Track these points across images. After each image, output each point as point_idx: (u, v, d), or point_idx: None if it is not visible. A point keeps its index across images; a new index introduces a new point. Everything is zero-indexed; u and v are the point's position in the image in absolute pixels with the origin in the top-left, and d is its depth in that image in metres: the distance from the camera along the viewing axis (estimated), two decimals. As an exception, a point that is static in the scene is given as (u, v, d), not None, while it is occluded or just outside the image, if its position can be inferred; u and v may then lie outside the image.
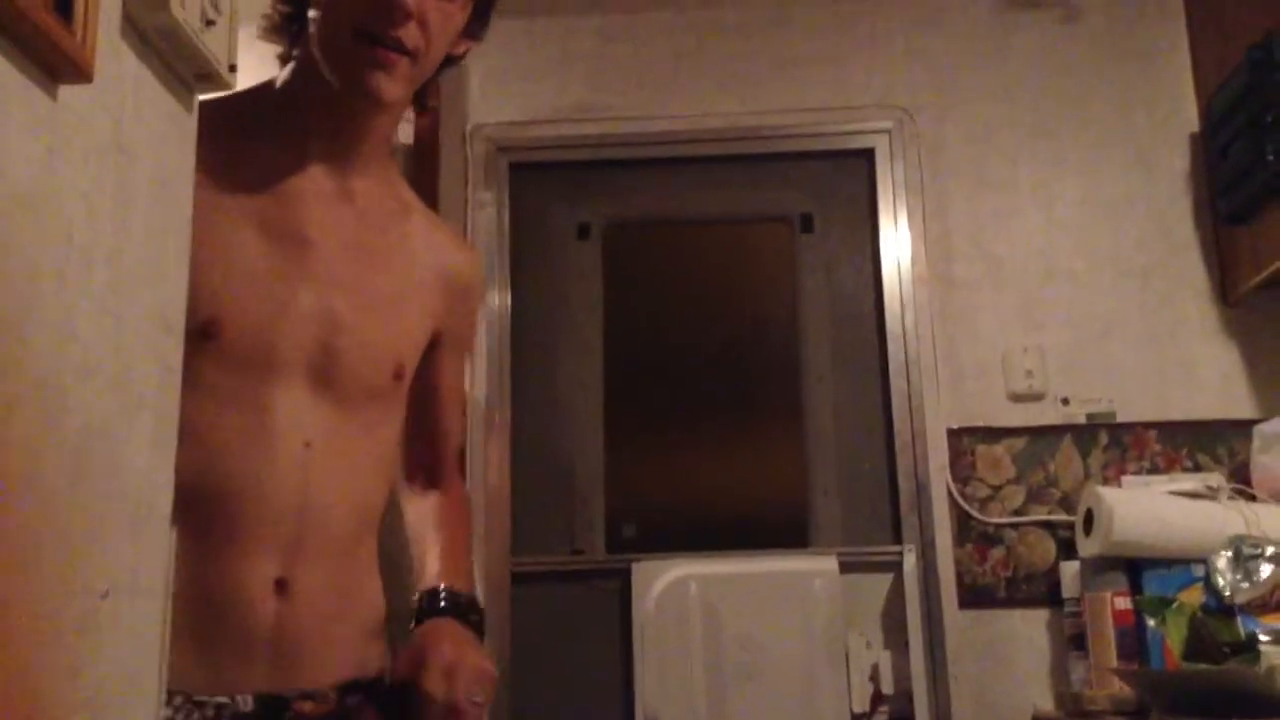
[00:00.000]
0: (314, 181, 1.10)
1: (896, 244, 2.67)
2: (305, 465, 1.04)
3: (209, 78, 0.81)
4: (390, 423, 1.16)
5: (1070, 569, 2.38)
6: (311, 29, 1.08)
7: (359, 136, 1.12)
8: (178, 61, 0.78)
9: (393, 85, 1.06)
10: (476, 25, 1.16)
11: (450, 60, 1.16)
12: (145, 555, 0.73)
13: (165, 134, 0.78)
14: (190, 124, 0.82)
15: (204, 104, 0.82)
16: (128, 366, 0.71)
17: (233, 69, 0.83)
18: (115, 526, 0.70)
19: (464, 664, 1.04)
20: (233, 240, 1.03)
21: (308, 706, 1.03)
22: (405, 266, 1.17)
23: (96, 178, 0.68)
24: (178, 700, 0.96)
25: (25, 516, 0.64)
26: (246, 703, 1.00)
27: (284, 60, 1.13)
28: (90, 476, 0.67)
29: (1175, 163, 2.68)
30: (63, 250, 0.65)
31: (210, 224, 0.92)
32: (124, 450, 0.71)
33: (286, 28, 1.12)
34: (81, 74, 0.63)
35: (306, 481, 1.04)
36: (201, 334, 0.97)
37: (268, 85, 1.14)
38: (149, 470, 0.75)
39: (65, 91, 0.64)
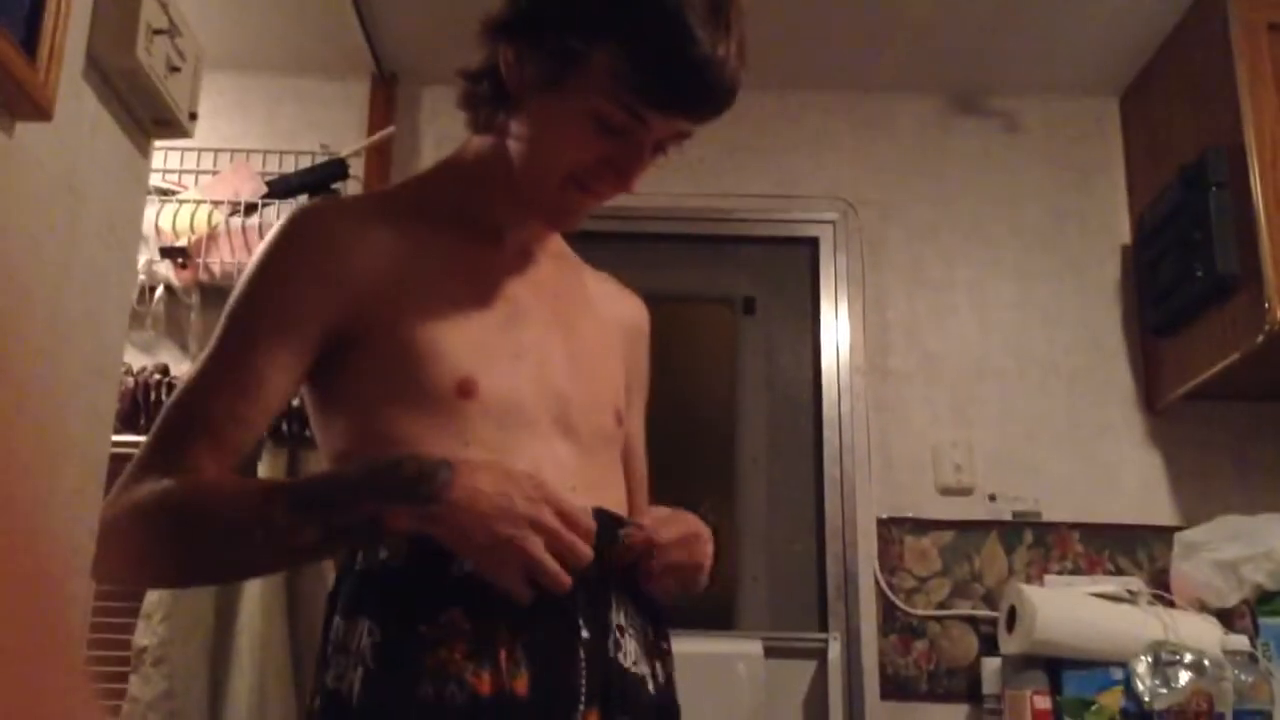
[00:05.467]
0: (506, 250, 1.14)
1: (836, 332, 2.71)
2: None
3: (168, 124, 0.80)
4: (620, 467, 1.20)
5: (991, 665, 2.39)
6: (514, 145, 1.09)
7: None
8: (138, 105, 0.77)
9: (581, 221, 1.11)
10: None
11: None
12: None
13: (119, 177, 0.76)
14: (144, 168, 0.80)
15: (385, 194, 0.83)
16: (60, 411, 0.69)
17: (193, 116, 0.83)
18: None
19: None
20: (459, 309, 1.07)
21: None
22: (596, 318, 1.22)
23: (46, 218, 0.66)
24: None
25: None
26: None
27: (473, 127, 1.14)
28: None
29: (1106, 272, 2.76)
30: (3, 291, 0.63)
31: (437, 296, 1.04)
32: (50, 500, 0.68)
33: (484, 106, 1.12)
34: (41, 112, 0.62)
35: None
36: (460, 391, 1.02)
37: (448, 166, 1.17)
38: (74, 519, 0.72)
39: (22, 129, 0.62)
